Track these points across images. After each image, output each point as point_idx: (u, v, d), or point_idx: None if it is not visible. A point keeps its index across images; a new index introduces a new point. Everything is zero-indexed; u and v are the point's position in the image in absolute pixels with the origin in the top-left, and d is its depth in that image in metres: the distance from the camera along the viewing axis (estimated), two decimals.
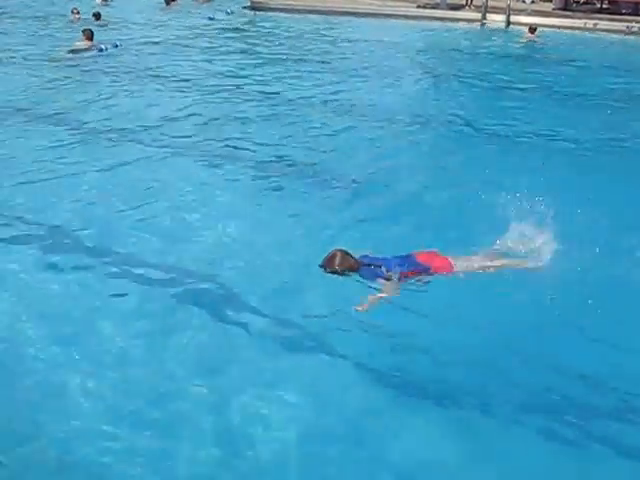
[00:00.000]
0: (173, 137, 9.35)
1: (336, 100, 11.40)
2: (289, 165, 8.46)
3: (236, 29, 18.13)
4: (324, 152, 8.89)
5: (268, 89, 11.99)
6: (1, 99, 11.13)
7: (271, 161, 8.56)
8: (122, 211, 7.05)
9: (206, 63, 14.01)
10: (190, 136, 9.44)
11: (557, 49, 16.50)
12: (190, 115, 10.39)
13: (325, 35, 17.52)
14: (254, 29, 18.50)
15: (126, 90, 11.82)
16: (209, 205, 7.30)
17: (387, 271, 5.39)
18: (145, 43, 15.73)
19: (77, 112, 10.51)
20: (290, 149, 8.97)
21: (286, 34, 17.61)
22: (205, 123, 10.05)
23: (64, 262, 6.05)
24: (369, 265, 5.47)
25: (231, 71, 13.30)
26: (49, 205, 7.21)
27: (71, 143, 9.10)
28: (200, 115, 10.39)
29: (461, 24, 19.50)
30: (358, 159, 8.65)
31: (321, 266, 5.47)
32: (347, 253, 5.46)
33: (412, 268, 5.49)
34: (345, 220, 6.87)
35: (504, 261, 5.68)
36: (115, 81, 12.39)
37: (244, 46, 15.92)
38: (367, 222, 6.82)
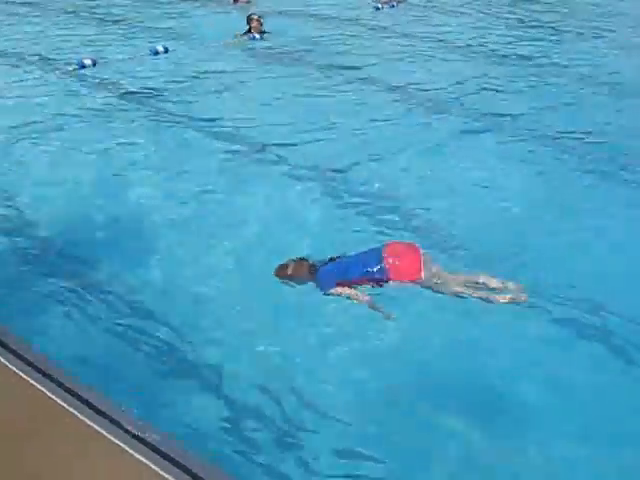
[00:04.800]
0: (434, 97, 9.80)
1: (611, 79, 10.67)
2: (555, 138, 8.31)
3: None
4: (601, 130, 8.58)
5: (542, 61, 11.69)
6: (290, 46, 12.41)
7: (532, 130, 8.56)
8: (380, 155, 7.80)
9: (476, 30, 13.94)
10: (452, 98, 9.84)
11: None
12: (452, 77, 10.66)
13: (606, 8, 16.31)
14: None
15: (395, 49, 12.36)
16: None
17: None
18: (420, 5, 16.33)
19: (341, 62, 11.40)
20: (553, 122, 8.83)
21: (563, 5, 16.81)
22: (470, 88, 10.21)
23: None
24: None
25: (501, 39, 13.19)
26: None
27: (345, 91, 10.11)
28: (464, 79, 10.57)
29: None
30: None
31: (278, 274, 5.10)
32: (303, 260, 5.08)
33: (357, 277, 4.85)
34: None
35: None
36: (385, 40, 13.14)
37: (520, 15, 15.52)
38: None
